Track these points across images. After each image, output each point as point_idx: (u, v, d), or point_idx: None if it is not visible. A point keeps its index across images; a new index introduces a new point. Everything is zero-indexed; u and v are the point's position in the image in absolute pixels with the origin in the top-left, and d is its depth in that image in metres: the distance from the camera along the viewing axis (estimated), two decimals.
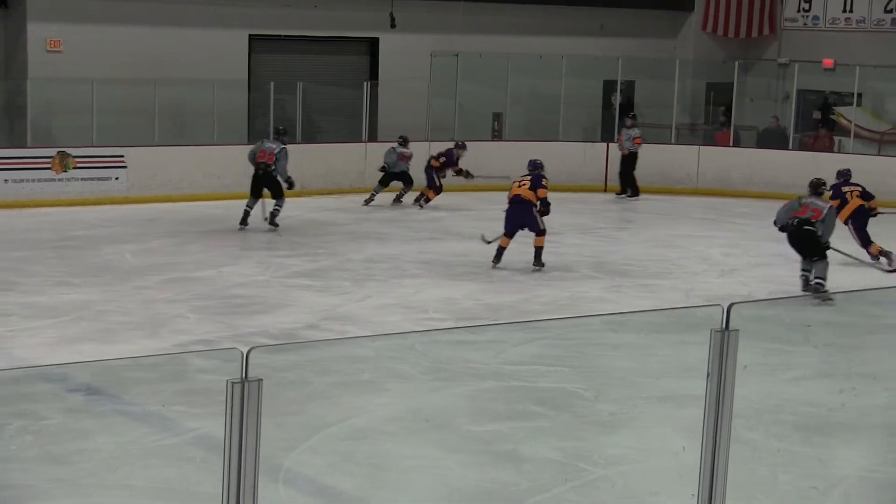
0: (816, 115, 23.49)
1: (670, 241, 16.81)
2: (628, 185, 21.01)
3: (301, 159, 18.72)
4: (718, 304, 2.79)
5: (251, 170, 16.64)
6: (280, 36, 21.87)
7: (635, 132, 21.10)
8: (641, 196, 20.89)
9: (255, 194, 16.61)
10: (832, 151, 22.26)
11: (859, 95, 22.47)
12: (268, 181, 16.54)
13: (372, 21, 21.95)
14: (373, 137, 21.19)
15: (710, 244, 16.62)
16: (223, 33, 21.00)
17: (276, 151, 16.51)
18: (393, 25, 21.80)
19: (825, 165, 21.04)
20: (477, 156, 21.02)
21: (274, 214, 16.59)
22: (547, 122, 22.60)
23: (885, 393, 9.58)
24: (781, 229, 13.43)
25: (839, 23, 23.96)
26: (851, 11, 23.85)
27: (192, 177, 19.30)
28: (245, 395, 3.54)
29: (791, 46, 24.34)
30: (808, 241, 13.13)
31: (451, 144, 19.77)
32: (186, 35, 20.65)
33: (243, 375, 3.55)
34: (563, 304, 12.56)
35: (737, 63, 23.08)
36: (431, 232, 16.99)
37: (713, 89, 24.68)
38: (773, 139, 22.84)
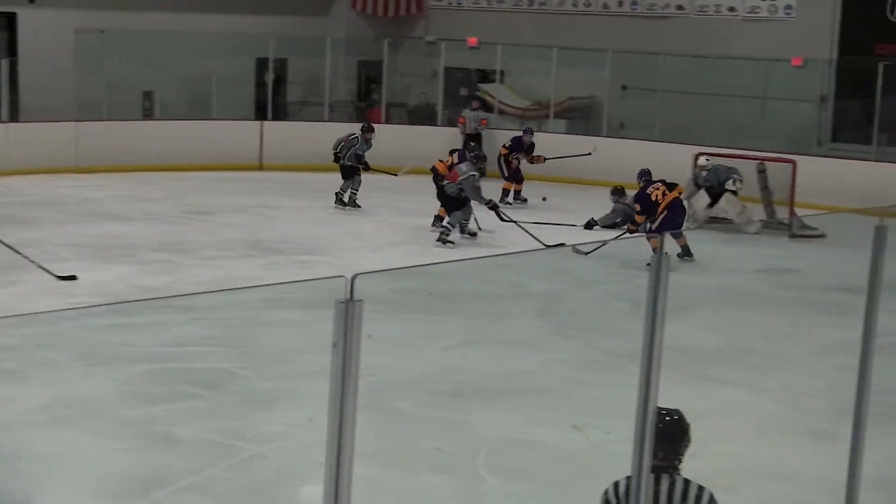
0: (464, 91, 24.24)
1: (325, 218, 16.99)
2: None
3: None
4: (343, 276, 2.88)
5: None
6: None
7: (481, 114, 21.74)
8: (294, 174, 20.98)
9: None
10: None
11: (502, 73, 23.37)
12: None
13: None
14: (14, 117, 20.37)
15: (363, 220, 16.89)
16: None
17: None
18: (32, 0, 20.98)
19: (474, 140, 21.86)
20: (128, 136, 20.57)
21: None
22: (200, 101, 22.33)
23: (528, 357, 10.08)
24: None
25: (482, 2, 24.79)
26: None
27: None
28: None
29: (438, 25, 24.99)
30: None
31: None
32: None
33: None
34: (218, 283, 12.49)
35: (386, 41, 23.50)
36: (81, 215, 16.47)
37: (364, 67, 25.05)
38: (422, 115, 23.44)
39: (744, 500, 6.88)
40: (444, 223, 15.57)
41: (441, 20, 24.99)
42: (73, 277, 12.20)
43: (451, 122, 23.20)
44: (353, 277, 2.94)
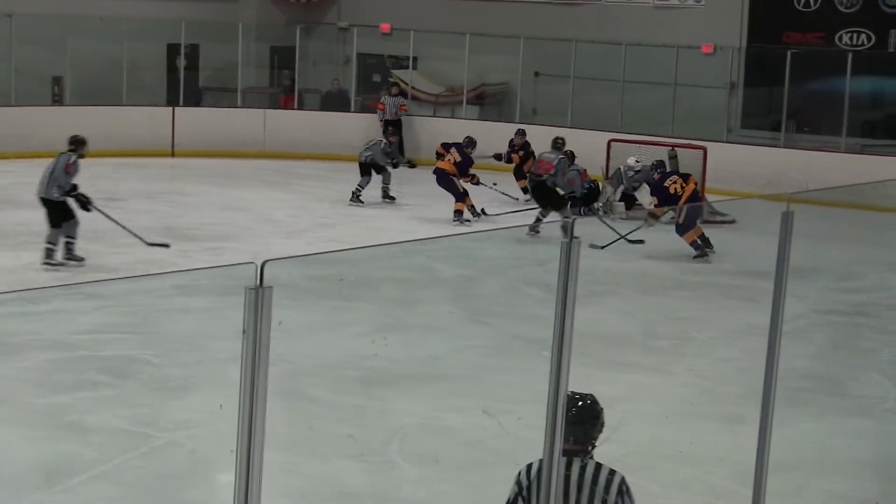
0: (376, 77, 24.17)
1: (238, 204, 16.86)
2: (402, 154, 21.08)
3: None
4: (252, 262, 2.85)
5: None
6: None
7: (401, 100, 21.58)
8: (212, 161, 20.80)
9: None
10: None
11: (415, 59, 23.34)
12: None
13: None
14: None
15: (276, 206, 16.81)
16: None
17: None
18: None
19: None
20: (37, 122, 20.22)
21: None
22: (110, 87, 22.00)
23: (440, 344, 10.10)
24: None
25: None
26: None
27: None
28: None
29: (350, 11, 24.87)
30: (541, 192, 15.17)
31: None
32: None
33: None
34: (128, 270, 12.35)
35: (298, 27, 23.36)
36: None
37: (277, 53, 24.85)
38: (335, 102, 23.34)
39: (655, 484, 6.95)
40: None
41: (353, 6, 24.87)
42: (165, 245, 13.00)
43: (364, 109, 23.14)
44: (263, 264, 2.92)
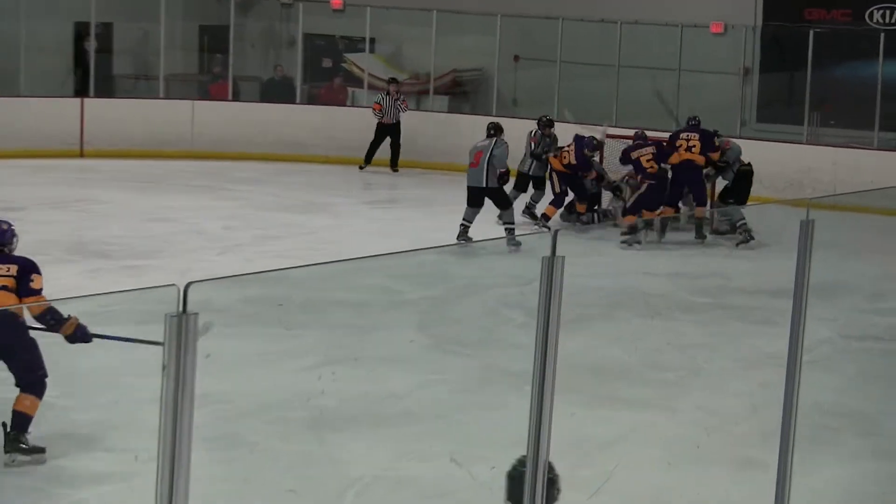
0: (327, 62, 24.19)
1: (161, 213, 16.81)
2: (397, 158, 21.08)
3: None
4: (174, 285, 2.85)
5: None
6: None
7: (401, 97, 21.17)
8: (140, 162, 20.73)
9: None
10: (345, 105, 23.06)
11: (372, 41, 23.35)
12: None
13: None
14: None
15: (208, 216, 16.76)
16: None
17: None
18: None
19: (340, 121, 21.87)
20: None
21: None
22: (5, 74, 21.92)
23: (402, 378, 10.09)
24: None
25: None
26: None
27: None
28: None
29: None
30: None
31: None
32: None
33: None
34: None
35: (232, 2, 23.30)
36: None
37: (207, 33, 24.83)
38: (278, 91, 23.32)
39: None
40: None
41: None
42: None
43: (312, 100, 23.12)
44: (187, 286, 2.92)
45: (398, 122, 21.09)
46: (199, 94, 23.54)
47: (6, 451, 7.97)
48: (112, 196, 17.94)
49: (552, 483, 4.51)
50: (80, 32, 22.99)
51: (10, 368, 8.29)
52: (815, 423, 8.43)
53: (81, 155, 21.30)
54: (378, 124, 21.01)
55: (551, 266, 3.67)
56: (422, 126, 21.42)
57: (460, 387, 9.95)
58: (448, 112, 22.28)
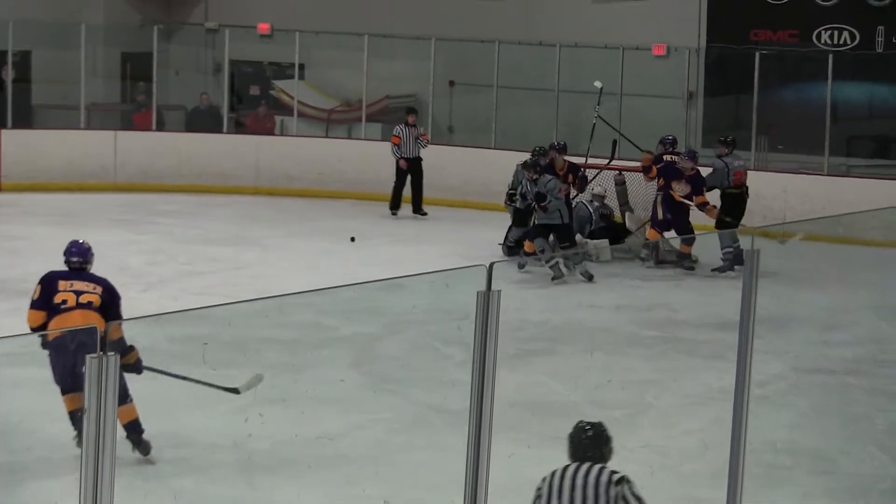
0: (255, 90, 24.14)
1: None
2: (420, 199, 19.89)
3: None
4: (93, 326, 2.82)
5: None
6: None
7: (419, 130, 20.09)
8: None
9: None
10: (274, 134, 23.01)
11: (301, 67, 23.32)
12: None
13: None
14: None
15: (130, 251, 16.65)
16: None
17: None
18: None
19: (269, 150, 21.83)
20: None
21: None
22: None
23: (336, 419, 10.05)
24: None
25: None
26: None
27: None
28: None
29: (219, 9, 24.82)
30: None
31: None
32: None
33: None
34: None
35: (156, 28, 23.22)
36: None
37: (130, 60, 24.72)
38: (204, 120, 23.25)
39: None
40: None
41: (224, 2, 24.85)
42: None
43: (239, 128, 23.05)
44: (108, 326, 2.88)
45: (419, 159, 19.95)
46: (122, 124, 23.44)
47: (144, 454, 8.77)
48: (31, 231, 17.79)
49: (608, 440, 5.98)
50: None
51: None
52: (766, 462, 8.46)
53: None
54: (397, 164, 19.87)
55: (487, 300, 3.66)
56: (352, 154, 21.41)
57: (396, 427, 9.92)
58: (381, 140, 22.25)
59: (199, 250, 16.77)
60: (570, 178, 16.49)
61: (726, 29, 21.40)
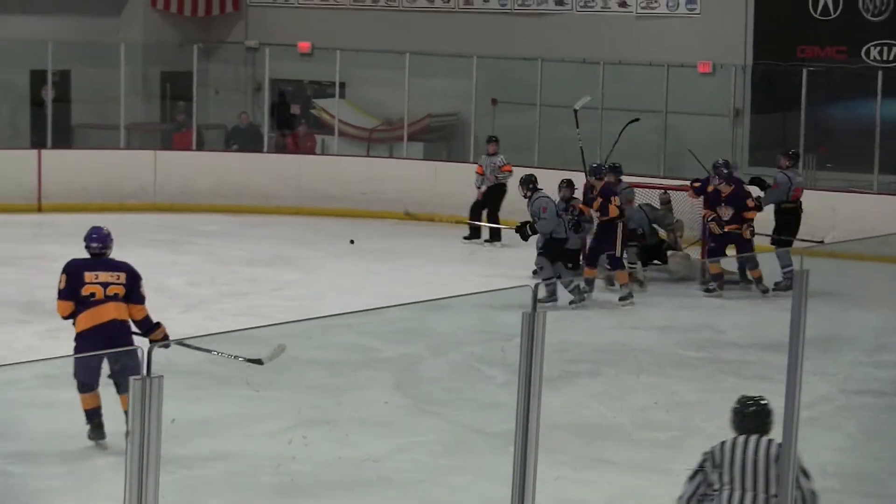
0: (296, 109, 24.22)
1: None
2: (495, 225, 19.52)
3: None
4: (138, 347, 2.85)
5: None
6: None
7: (500, 159, 19.84)
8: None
9: None
10: (315, 153, 23.07)
11: (342, 85, 23.37)
12: None
13: None
14: None
15: (171, 272, 16.71)
16: None
17: None
18: None
19: (309, 170, 21.90)
20: None
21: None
22: None
23: (379, 441, 10.06)
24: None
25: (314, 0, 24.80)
26: None
27: None
28: None
29: (260, 27, 24.92)
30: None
31: None
32: None
33: None
34: None
35: (196, 47, 23.33)
36: None
37: (169, 80, 24.85)
38: (244, 140, 23.33)
39: None
40: None
41: (264, 21, 24.94)
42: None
43: (280, 149, 23.13)
44: (151, 348, 2.92)
45: (496, 186, 19.68)
46: (162, 143, 23.55)
47: None
48: (69, 252, 17.81)
49: (769, 412, 6.23)
50: (37, 81, 22.98)
51: (112, 371, 9.27)
52: (815, 486, 8.42)
53: (39, 209, 21.27)
54: (484, 191, 19.69)
55: (532, 321, 3.68)
56: (395, 174, 21.47)
57: (439, 449, 9.93)
58: (423, 159, 22.29)
59: (239, 271, 16.84)
60: (600, 200, 16.10)
61: (773, 45, 21.33)
